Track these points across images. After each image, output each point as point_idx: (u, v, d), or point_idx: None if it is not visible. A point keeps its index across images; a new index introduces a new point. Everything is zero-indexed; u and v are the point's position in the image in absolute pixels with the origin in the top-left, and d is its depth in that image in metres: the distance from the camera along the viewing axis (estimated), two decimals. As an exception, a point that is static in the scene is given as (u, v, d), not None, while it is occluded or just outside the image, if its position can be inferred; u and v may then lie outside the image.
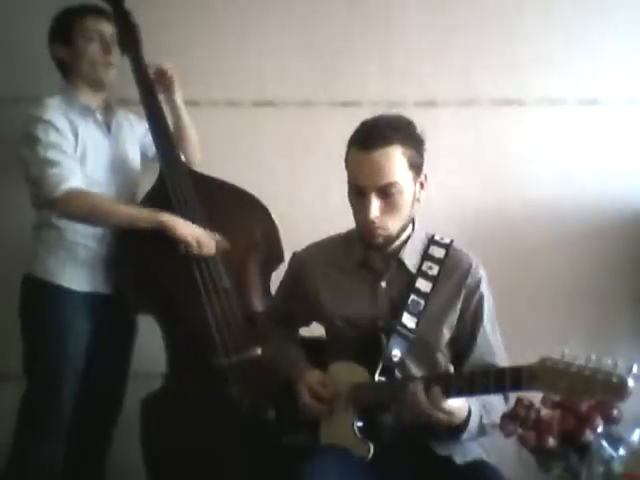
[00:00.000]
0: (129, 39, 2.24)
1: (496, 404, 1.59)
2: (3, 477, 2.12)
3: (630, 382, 1.16)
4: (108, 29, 2.18)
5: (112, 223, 2.12)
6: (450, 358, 1.65)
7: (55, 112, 2.10)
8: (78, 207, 2.06)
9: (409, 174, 1.56)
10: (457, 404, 1.45)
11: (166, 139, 2.23)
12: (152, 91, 2.24)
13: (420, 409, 1.43)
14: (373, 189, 1.53)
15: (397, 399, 1.53)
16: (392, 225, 1.58)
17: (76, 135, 2.12)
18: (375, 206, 1.53)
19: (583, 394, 1.21)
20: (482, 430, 1.55)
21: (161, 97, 2.28)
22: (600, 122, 2.56)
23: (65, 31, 2.16)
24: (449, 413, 1.44)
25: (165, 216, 2.08)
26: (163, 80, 2.28)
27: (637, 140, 2.57)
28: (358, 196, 1.56)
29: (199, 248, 2.09)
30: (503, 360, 1.63)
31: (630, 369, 1.17)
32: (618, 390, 1.17)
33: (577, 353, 1.23)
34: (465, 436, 1.51)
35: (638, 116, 2.57)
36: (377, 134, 1.53)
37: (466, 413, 1.48)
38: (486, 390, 1.43)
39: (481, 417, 1.53)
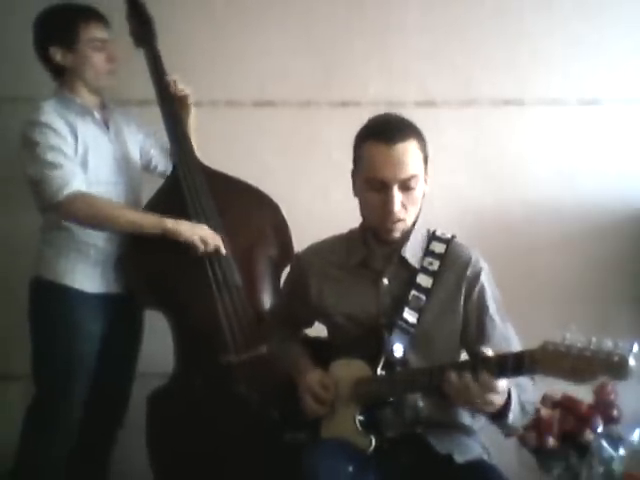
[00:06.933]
0: (144, 31, 2.22)
1: (525, 383, 1.52)
2: (11, 477, 2.12)
3: (631, 361, 1.16)
4: (109, 36, 2.15)
5: (116, 228, 2.10)
6: (458, 352, 1.64)
7: (52, 115, 2.07)
8: (82, 210, 2.04)
9: (423, 168, 1.58)
10: (502, 384, 1.38)
11: (181, 134, 2.22)
12: (166, 84, 2.22)
13: (470, 396, 1.37)
14: (396, 182, 1.52)
15: (399, 393, 1.55)
16: (409, 218, 1.58)
17: (76, 136, 2.09)
18: (398, 199, 1.53)
19: (585, 374, 1.21)
20: (523, 409, 1.48)
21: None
22: (601, 122, 2.56)
23: (68, 35, 2.08)
24: (501, 393, 1.37)
25: (169, 222, 2.07)
26: (179, 99, 2.25)
27: (637, 140, 2.57)
28: (377, 190, 1.55)
29: (205, 247, 2.09)
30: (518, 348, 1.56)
31: (631, 348, 1.17)
32: (620, 369, 1.16)
33: (578, 336, 1.23)
34: (511, 417, 1.43)
35: (639, 116, 2.56)
36: (396, 128, 1.54)
37: (506, 394, 1.41)
38: None
39: (518, 395, 1.46)
